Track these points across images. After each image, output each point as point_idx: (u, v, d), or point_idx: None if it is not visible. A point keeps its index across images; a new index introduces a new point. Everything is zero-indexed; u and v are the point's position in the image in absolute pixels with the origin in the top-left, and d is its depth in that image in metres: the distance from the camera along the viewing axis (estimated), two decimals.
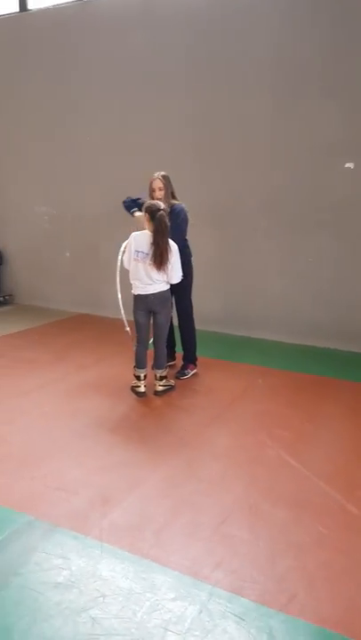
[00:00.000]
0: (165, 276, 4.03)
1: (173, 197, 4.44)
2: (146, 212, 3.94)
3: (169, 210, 4.34)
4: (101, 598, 2.15)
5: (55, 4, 6.67)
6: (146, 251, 3.94)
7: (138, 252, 3.97)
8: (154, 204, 3.93)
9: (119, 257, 4.17)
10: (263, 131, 5.64)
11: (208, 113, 5.89)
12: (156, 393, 4.29)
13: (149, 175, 6.19)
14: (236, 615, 2.09)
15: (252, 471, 3.15)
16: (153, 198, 4.30)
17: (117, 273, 4.24)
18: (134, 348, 4.25)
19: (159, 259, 3.90)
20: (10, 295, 7.68)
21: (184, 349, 4.74)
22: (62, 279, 7.29)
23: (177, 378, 4.56)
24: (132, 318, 4.21)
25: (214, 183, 6.01)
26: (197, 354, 4.87)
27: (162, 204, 3.98)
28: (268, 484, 3.02)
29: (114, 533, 2.55)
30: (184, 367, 4.71)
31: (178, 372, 4.65)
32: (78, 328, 6.32)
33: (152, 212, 3.89)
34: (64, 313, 7.04)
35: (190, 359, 4.75)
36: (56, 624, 2.02)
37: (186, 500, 2.85)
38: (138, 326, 4.21)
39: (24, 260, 7.58)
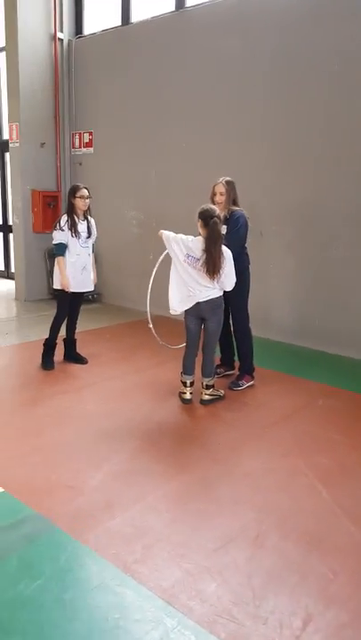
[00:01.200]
0: (217, 283, 3.89)
1: (235, 204, 4.29)
2: (199, 217, 3.83)
3: (228, 216, 4.21)
4: (65, 605, 2.10)
5: (154, 15, 6.82)
6: (197, 256, 3.84)
7: (189, 255, 3.88)
8: (208, 210, 3.80)
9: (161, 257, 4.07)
10: (356, 135, 5.25)
11: (297, 116, 5.62)
12: (202, 402, 4.16)
13: (236, 181, 6.14)
14: None
15: (275, 497, 2.91)
16: (213, 202, 4.19)
17: (155, 269, 4.14)
18: (160, 342, 4.24)
19: (212, 267, 3.78)
20: (98, 294, 7.99)
21: (240, 360, 4.57)
22: (145, 281, 7.39)
23: (230, 388, 4.39)
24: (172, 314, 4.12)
25: (299, 188, 5.72)
26: (262, 365, 4.67)
27: (217, 210, 3.85)
28: (286, 514, 2.76)
29: (104, 541, 2.49)
30: (239, 378, 4.53)
31: (232, 383, 4.48)
32: None
33: (205, 219, 3.78)
34: (143, 314, 7.14)
35: (246, 370, 4.55)
36: (8, 618, 2.01)
37: (189, 518, 2.70)
38: (188, 332, 4.14)
39: (113, 261, 7.84)
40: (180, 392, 4.22)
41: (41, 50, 7.49)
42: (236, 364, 4.71)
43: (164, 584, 2.23)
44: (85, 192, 4.65)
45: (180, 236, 3.96)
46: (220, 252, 3.78)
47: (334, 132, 5.37)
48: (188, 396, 4.18)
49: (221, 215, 4.13)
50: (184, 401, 4.18)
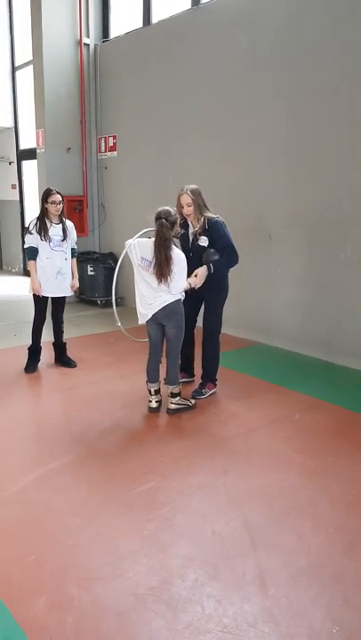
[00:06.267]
0: (167, 287, 3.72)
1: (207, 209, 4.08)
2: (154, 218, 3.69)
3: (206, 226, 4.03)
4: None
5: (171, 15, 6.72)
6: (149, 259, 3.70)
7: (143, 259, 3.75)
8: (159, 212, 3.65)
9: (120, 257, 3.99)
10: None
11: (307, 116, 5.27)
12: (168, 411, 4.00)
13: (246, 182, 5.91)
14: None
15: (183, 518, 2.70)
16: (181, 214, 4.03)
17: (116, 269, 4.19)
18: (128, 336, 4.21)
19: (159, 271, 3.63)
20: (121, 297, 8.00)
21: (204, 367, 4.36)
22: None
23: (193, 397, 4.19)
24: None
25: (309, 190, 5.36)
26: (254, 374, 4.58)
27: (171, 212, 3.67)
28: (179, 536, 2.55)
29: None
30: (202, 386, 4.32)
31: (194, 391, 4.28)
32: None
33: (155, 220, 3.63)
34: None
35: (210, 378, 4.34)
36: None
37: (92, 529, 2.57)
38: (149, 338, 4.01)
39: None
40: (149, 400, 4.08)
41: (67, 56, 7.63)
42: (197, 371, 4.52)
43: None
44: (58, 197, 4.61)
45: (139, 239, 3.83)
46: (167, 256, 3.62)
47: (345, 133, 4.97)
48: (153, 404, 4.04)
49: (199, 224, 3.98)
50: (150, 409, 4.04)
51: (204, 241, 4.05)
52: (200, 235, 4.05)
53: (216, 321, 4.24)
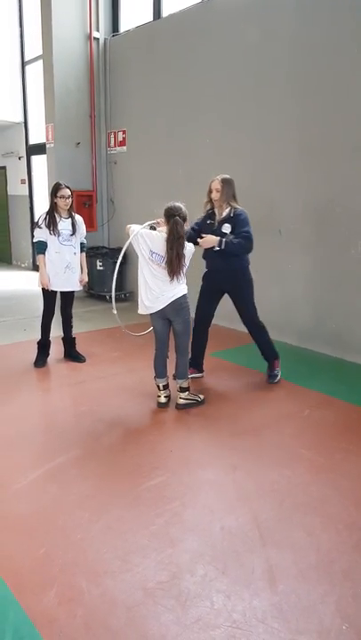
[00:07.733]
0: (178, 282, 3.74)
1: (235, 201, 4.22)
2: (164, 214, 3.69)
3: (232, 215, 4.16)
4: None
5: (182, 8, 6.68)
6: (162, 253, 3.70)
7: (153, 252, 3.74)
8: (171, 208, 3.67)
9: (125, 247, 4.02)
10: None
11: (318, 111, 5.23)
12: (177, 406, 4.00)
13: (256, 177, 5.90)
14: None
15: (192, 514, 2.70)
16: (210, 199, 4.20)
17: (119, 258, 4.26)
18: (123, 330, 4.27)
19: (170, 268, 3.64)
20: (130, 293, 8.01)
21: (264, 352, 4.56)
22: None
23: (268, 383, 4.51)
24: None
25: (319, 185, 5.32)
26: (263, 370, 4.66)
27: (182, 209, 3.69)
28: (184, 533, 2.55)
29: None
30: (271, 369, 4.57)
31: (269, 377, 4.56)
32: None
33: (167, 217, 3.65)
34: None
35: (273, 356, 4.56)
36: None
37: (101, 523, 2.58)
38: (155, 333, 4.01)
39: None
40: (157, 396, 4.08)
41: (76, 50, 7.62)
42: (206, 367, 4.68)
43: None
44: (67, 192, 4.62)
45: (146, 230, 3.82)
46: (179, 254, 3.63)
47: (357, 128, 4.93)
48: (162, 399, 4.04)
49: (224, 211, 4.13)
50: (159, 405, 4.05)
51: (226, 228, 4.18)
52: (224, 223, 4.18)
53: (252, 314, 4.45)
